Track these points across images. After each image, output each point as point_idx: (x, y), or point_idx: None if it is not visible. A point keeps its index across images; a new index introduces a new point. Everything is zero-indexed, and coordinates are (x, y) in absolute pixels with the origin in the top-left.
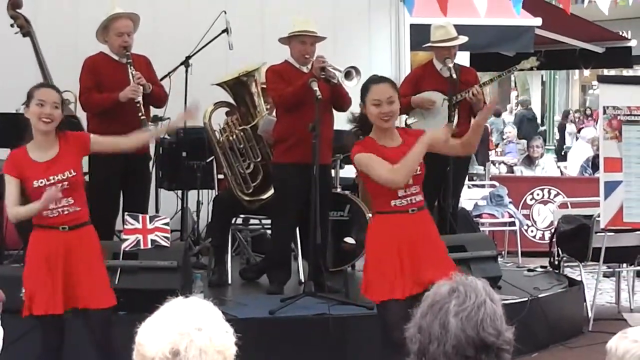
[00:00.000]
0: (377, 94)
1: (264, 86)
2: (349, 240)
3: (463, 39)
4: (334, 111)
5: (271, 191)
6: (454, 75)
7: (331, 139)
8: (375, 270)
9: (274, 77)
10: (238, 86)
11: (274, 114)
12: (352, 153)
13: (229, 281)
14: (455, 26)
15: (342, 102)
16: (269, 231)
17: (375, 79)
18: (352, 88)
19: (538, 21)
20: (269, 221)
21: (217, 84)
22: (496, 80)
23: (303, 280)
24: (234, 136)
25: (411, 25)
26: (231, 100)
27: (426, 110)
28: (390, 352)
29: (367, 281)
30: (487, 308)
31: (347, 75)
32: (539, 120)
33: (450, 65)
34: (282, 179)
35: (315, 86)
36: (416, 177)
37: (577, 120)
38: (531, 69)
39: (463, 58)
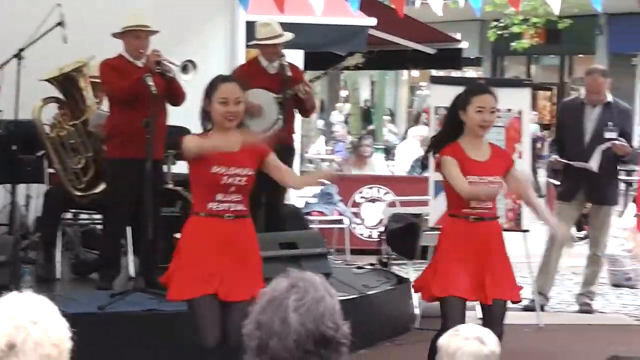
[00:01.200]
0: (224, 92)
1: (96, 80)
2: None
3: (288, 36)
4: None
5: (103, 186)
6: (289, 73)
7: (164, 134)
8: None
9: (108, 72)
10: (67, 81)
11: (103, 108)
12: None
13: (58, 276)
14: (291, 24)
15: (176, 97)
16: (99, 226)
17: (222, 78)
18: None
19: (373, 21)
20: (99, 216)
21: (45, 80)
22: (322, 77)
23: (133, 276)
24: (65, 132)
25: (247, 22)
26: (61, 96)
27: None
28: None
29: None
30: (326, 303)
31: (184, 68)
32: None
33: (285, 63)
34: (114, 174)
35: (150, 81)
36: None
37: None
38: (356, 65)
39: (297, 57)
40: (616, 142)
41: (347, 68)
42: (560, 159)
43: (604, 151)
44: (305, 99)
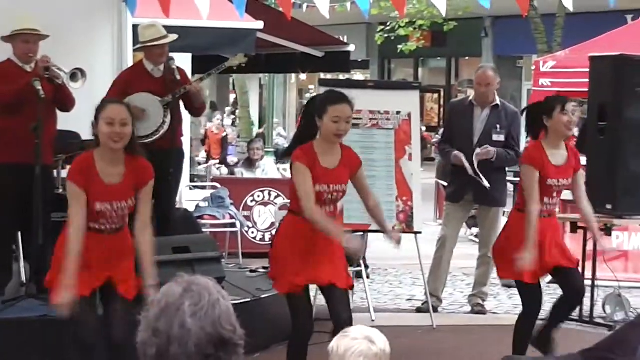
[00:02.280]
0: (111, 113)
1: None
2: None
3: (173, 37)
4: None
5: None
6: (178, 77)
7: (53, 139)
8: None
9: None
10: None
11: None
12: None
13: None
14: (177, 28)
15: (66, 102)
16: None
17: (109, 100)
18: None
19: (260, 24)
20: None
21: None
22: (207, 78)
23: (25, 282)
24: None
25: (133, 25)
26: None
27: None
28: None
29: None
30: (221, 305)
31: (73, 76)
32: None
33: (174, 67)
34: (1, 179)
35: (38, 85)
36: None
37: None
38: (240, 66)
39: (184, 60)
40: (482, 149)
41: (232, 69)
42: (462, 157)
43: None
44: (194, 97)
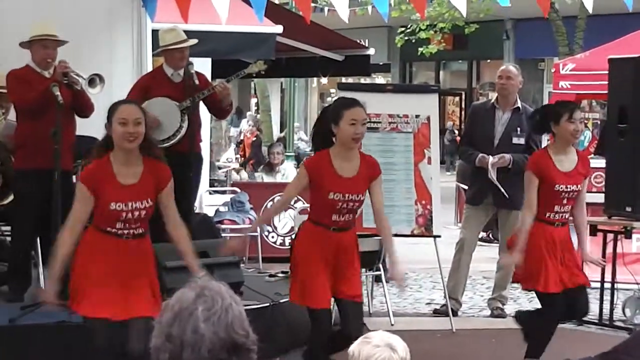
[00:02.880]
0: (123, 113)
1: (2, 90)
2: None
3: (193, 41)
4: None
5: (11, 197)
6: (196, 81)
7: (73, 144)
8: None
9: (15, 82)
10: None
11: (10, 118)
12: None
13: None
14: (196, 32)
15: (84, 108)
16: (9, 238)
17: (121, 101)
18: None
19: (279, 29)
20: (8, 228)
21: None
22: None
23: (44, 288)
24: None
25: (153, 30)
26: None
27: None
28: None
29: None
30: (234, 310)
31: (91, 82)
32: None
33: (193, 71)
34: (22, 185)
35: (57, 91)
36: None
37: None
38: (259, 73)
39: (204, 65)
40: (498, 157)
41: (251, 75)
42: (489, 161)
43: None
44: (222, 97)
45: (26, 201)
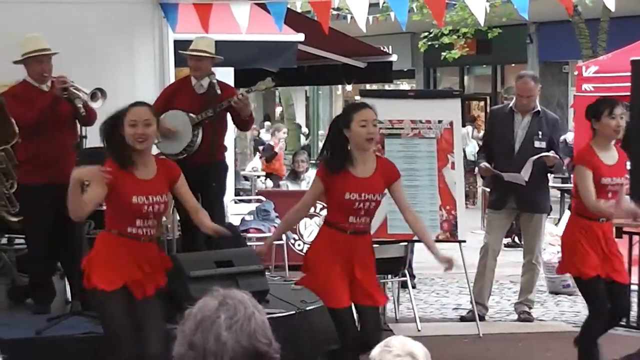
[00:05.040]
0: (134, 115)
1: None
2: None
3: (212, 56)
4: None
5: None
6: (218, 91)
7: (75, 157)
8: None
9: (13, 103)
10: None
11: None
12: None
13: None
14: (217, 42)
15: (88, 119)
16: None
17: (132, 103)
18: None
19: (300, 37)
20: None
21: None
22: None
23: (69, 300)
24: None
25: (175, 41)
26: None
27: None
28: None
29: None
30: (256, 318)
31: (93, 96)
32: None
33: (215, 81)
34: (27, 201)
35: (79, 103)
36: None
37: None
38: (266, 89)
39: (227, 74)
40: (550, 154)
41: (258, 91)
42: (490, 167)
43: (534, 161)
44: (239, 108)
45: (32, 216)
